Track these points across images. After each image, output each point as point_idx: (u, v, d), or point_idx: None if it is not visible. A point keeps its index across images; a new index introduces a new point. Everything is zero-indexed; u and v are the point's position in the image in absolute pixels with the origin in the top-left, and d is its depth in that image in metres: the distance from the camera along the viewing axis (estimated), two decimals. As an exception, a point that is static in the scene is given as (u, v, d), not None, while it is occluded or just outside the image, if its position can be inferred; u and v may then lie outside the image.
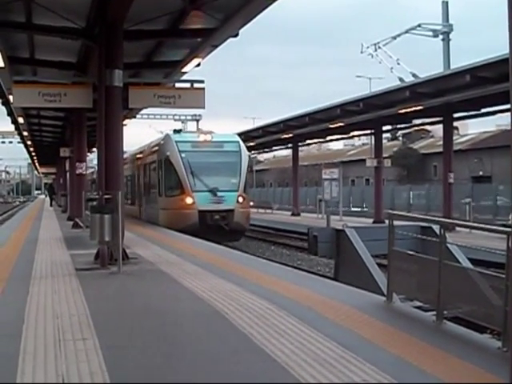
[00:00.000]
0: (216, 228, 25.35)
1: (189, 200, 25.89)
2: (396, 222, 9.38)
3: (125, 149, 20.64)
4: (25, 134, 42.73)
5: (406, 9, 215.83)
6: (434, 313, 7.90)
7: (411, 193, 53.57)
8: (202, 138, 28.06)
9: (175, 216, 26.15)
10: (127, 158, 36.96)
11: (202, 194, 25.95)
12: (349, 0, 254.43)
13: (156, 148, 29.92)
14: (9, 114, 33.66)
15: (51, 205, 54.79)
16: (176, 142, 27.44)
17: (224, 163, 27.46)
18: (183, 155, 26.70)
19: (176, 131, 29.57)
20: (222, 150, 27.80)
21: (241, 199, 26.52)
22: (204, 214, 25.61)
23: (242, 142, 28.58)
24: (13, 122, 37.41)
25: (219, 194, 26.04)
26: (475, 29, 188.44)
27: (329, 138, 44.56)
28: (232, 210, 25.99)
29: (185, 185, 26.17)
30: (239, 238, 28.10)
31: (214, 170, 26.93)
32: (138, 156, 35.36)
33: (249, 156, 30.10)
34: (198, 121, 43.97)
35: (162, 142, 29.15)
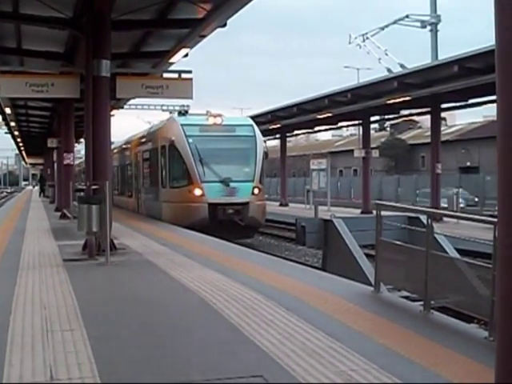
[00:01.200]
0: (228, 224, 22.46)
1: (197, 192, 22.81)
2: (384, 213, 9.41)
3: (113, 139, 20.60)
4: (12, 124, 42.49)
5: (396, 0, 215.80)
6: (422, 303, 7.94)
7: (399, 183, 53.73)
8: (211, 120, 24.42)
9: (181, 210, 23.14)
10: (122, 146, 35.51)
11: (212, 184, 22.89)
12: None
13: (158, 133, 26.68)
14: (-5, 105, 33.46)
15: (44, 195, 54.40)
16: (182, 125, 24.17)
17: (237, 150, 24.43)
18: (190, 140, 23.50)
19: (181, 113, 26.00)
20: (234, 135, 24.68)
21: (256, 191, 23.46)
22: (215, 207, 22.57)
23: (256, 126, 25.45)
24: (-1, 113, 37.22)
25: (232, 184, 22.99)
26: (463, 20, 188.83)
27: (317, 128, 44.55)
28: (247, 203, 22.97)
29: (193, 174, 23.04)
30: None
31: (226, 158, 23.88)
32: (135, 142, 31.84)
33: (264, 142, 26.86)
34: (186, 111, 43.27)
35: (165, 126, 26.08)
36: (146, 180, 28.51)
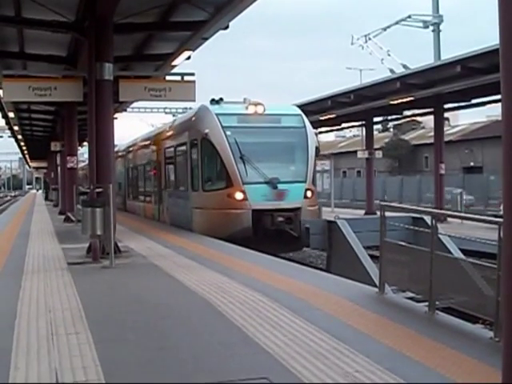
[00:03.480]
0: (276, 234, 18.39)
1: (238, 195, 18.65)
2: (388, 213, 9.40)
3: (116, 142, 20.57)
4: (15, 128, 42.58)
5: (398, 0, 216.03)
6: (427, 303, 7.92)
7: (403, 184, 53.69)
8: (251, 109, 20.08)
9: (218, 218, 19.05)
10: (137, 144, 31.92)
11: (256, 186, 18.75)
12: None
13: (187, 125, 21.98)
14: (-1, 109, 33.54)
15: (48, 199, 54.31)
16: (217, 114, 19.72)
17: (285, 144, 20.34)
18: (228, 133, 19.22)
19: (215, 101, 20.91)
20: (280, 126, 20.51)
21: (309, 193, 19.32)
22: (260, 214, 18.48)
23: (305, 117, 21.05)
24: (3, 117, 37.27)
25: (280, 186, 18.84)
26: (467, 19, 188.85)
27: (320, 129, 44.49)
28: (299, 209, 18.84)
29: (232, 174, 18.81)
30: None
31: (272, 154, 19.70)
32: (155, 139, 27.12)
33: (316, 134, 22.31)
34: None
35: (195, 116, 21.10)
36: (170, 182, 24.29)
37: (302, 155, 19.93)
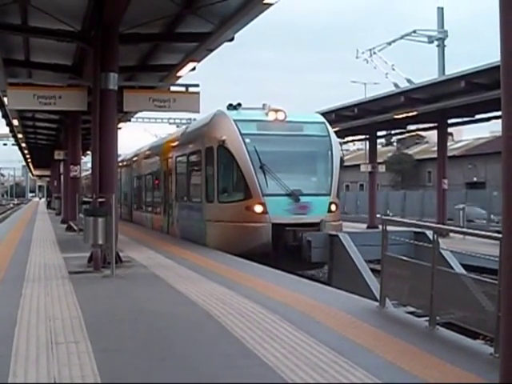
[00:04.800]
0: (297, 250, 17.13)
1: (257, 208, 17.45)
2: (390, 228, 9.40)
3: (120, 152, 20.55)
4: (19, 136, 42.65)
5: (404, 15, 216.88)
6: (427, 318, 7.92)
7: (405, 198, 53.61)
8: (271, 116, 18.87)
9: (235, 232, 17.79)
10: (145, 152, 30.64)
11: (277, 199, 17.58)
12: (347, 7, 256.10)
13: (202, 131, 20.48)
14: (3, 116, 33.60)
15: (50, 207, 54.37)
16: (235, 120, 18.53)
17: (308, 154, 19.19)
18: (247, 140, 18.06)
19: (232, 106, 19.56)
20: (302, 135, 19.16)
21: (333, 207, 18.28)
22: (281, 229, 17.31)
23: (329, 125, 19.92)
24: (7, 124, 37.36)
25: (303, 199, 17.71)
26: (473, 33, 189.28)
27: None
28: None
29: (251, 185, 17.62)
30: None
31: (295, 164, 18.61)
32: (165, 146, 25.74)
33: (340, 144, 21.11)
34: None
35: (211, 122, 19.59)
36: (181, 192, 22.75)
37: (325, 166, 18.89)
